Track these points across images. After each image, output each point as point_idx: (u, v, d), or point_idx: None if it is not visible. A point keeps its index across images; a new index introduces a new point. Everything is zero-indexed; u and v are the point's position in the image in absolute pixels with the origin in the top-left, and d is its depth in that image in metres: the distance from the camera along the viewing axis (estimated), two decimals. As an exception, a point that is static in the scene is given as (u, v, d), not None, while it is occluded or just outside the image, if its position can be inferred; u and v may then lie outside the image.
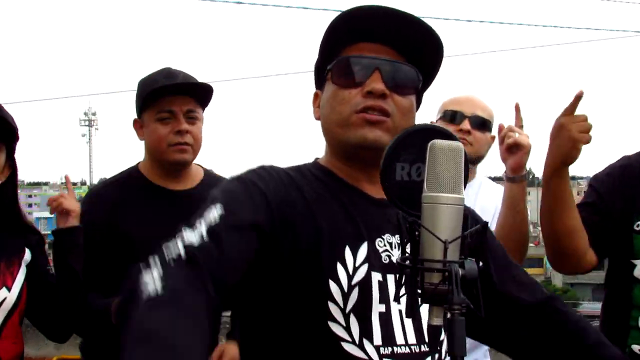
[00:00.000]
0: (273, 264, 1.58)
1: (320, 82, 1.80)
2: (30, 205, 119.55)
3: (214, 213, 1.51)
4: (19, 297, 2.43)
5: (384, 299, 1.61)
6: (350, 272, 1.60)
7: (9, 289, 2.40)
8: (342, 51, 1.72)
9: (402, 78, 1.69)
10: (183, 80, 2.78)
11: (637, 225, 2.55)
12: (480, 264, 1.45)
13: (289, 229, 1.59)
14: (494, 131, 3.13)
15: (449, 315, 1.24)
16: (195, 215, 1.55)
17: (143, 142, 2.89)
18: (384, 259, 1.66)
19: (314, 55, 1.79)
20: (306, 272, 1.58)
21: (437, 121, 3.16)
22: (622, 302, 2.62)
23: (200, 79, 2.81)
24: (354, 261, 1.61)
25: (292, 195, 1.64)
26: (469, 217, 1.37)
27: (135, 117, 2.89)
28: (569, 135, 2.42)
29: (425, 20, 1.67)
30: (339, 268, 1.59)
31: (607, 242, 2.63)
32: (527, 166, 2.92)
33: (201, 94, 2.83)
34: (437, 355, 1.61)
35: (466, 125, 3.05)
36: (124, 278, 2.70)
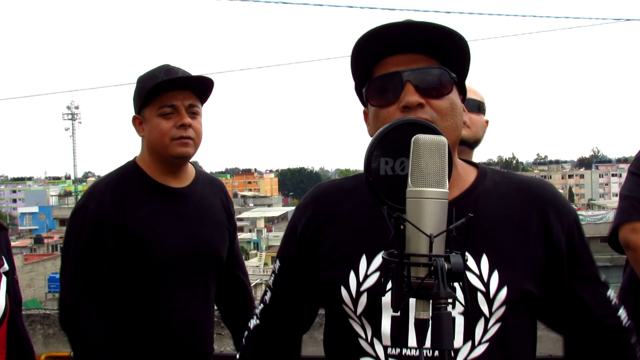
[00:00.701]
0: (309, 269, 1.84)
1: (362, 100, 1.82)
2: (14, 201, 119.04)
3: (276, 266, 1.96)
4: (5, 308, 2.38)
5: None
6: (361, 280, 1.69)
7: None
8: (372, 70, 1.73)
9: (435, 82, 1.68)
10: (183, 75, 2.78)
11: None
12: (467, 257, 1.46)
13: (315, 248, 1.81)
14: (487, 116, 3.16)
15: (435, 309, 1.25)
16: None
17: (141, 138, 2.89)
18: None
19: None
20: (326, 278, 1.76)
21: None
22: None
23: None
24: (366, 269, 1.69)
25: (325, 215, 1.82)
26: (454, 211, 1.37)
27: (134, 114, 2.88)
28: None
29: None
30: (351, 276, 1.70)
31: None
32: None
33: (202, 88, 2.83)
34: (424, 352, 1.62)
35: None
36: (122, 280, 2.71)
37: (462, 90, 1.78)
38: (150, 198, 2.83)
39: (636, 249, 2.70)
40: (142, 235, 2.72)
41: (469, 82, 3.15)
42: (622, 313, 1.83)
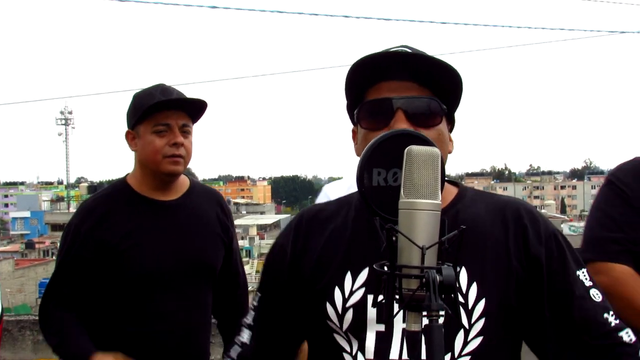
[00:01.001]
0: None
1: (353, 120, 1.84)
2: (6, 205, 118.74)
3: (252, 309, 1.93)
4: None
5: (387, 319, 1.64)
6: (347, 296, 1.69)
7: None
8: (365, 92, 1.75)
9: (425, 112, 1.70)
10: (178, 96, 2.88)
11: None
12: (458, 269, 1.46)
13: (299, 262, 1.82)
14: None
15: (426, 322, 1.23)
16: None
17: (135, 152, 2.97)
18: None
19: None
20: (311, 296, 1.76)
21: None
22: None
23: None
24: (352, 285, 1.70)
25: (308, 238, 1.83)
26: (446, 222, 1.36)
27: (128, 128, 2.95)
28: None
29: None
30: (337, 292, 1.71)
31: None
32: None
33: (195, 109, 2.94)
34: None
35: None
36: (108, 291, 2.76)
37: (451, 121, 1.81)
38: (135, 213, 2.92)
39: (614, 296, 2.64)
40: (123, 249, 2.81)
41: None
42: (621, 332, 1.74)
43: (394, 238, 1.33)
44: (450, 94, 1.74)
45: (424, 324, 1.25)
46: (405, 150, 1.35)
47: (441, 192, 1.38)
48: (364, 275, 1.69)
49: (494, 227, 1.76)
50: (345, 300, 1.69)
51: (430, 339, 1.22)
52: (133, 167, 2.99)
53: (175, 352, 2.86)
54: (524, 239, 1.75)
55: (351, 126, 1.88)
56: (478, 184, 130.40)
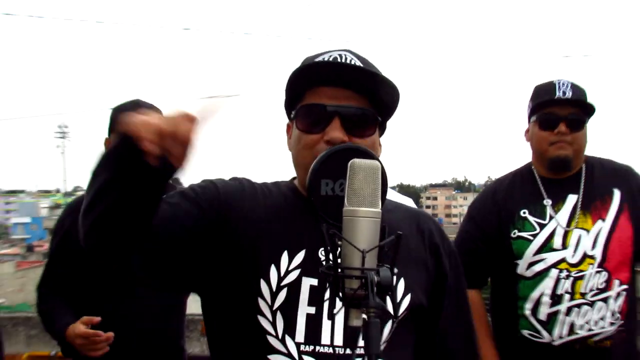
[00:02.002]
0: (213, 251, 1.64)
1: (289, 117, 1.78)
2: (8, 212, 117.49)
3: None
4: None
5: (316, 302, 1.61)
6: (282, 275, 1.61)
7: None
8: (305, 93, 1.70)
9: (360, 122, 1.66)
10: (149, 107, 2.96)
11: (514, 234, 2.75)
12: (395, 270, 1.47)
13: (229, 223, 1.65)
14: None
15: (365, 318, 1.24)
16: None
17: None
18: None
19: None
20: (243, 269, 1.62)
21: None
22: (508, 295, 2.78)
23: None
24: (287, 265, 1.62)
25: (248, 201, 1.70)
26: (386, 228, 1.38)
27: (106, 137, 3.05)
28: None
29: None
30: (272, 270, 1.61)
31: (491, 260, 2.84)
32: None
33: None
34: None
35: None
36: (94, 282, 2.75)
37: (383, 129, 1.78)
38: None
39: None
40: None
41: None
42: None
43: (338, 242, 1.34)
44: (386, 105, 1.71)
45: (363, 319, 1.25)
46: (349, 162, 1.36)
47: (383, 201, 1.39)
48: (300, 256, 1.62)
49: (411, 233, 1.79)
50: (280, 279, 1.60)
51: (368, 333, 1.23)
52: None
53: (148, 334, 2.93)
54: (437, 253, 1.82)
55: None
56: (441, 194, 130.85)
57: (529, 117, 2.79)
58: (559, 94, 2.66)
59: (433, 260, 1.80)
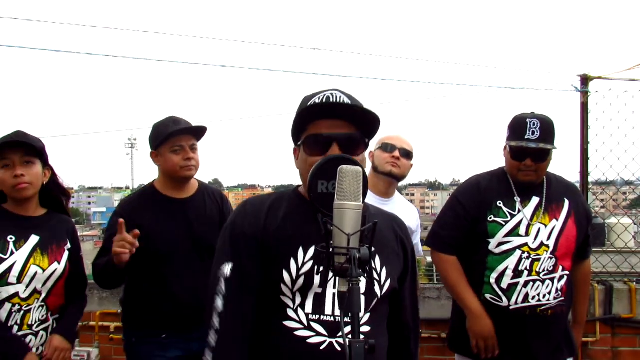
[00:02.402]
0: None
1: (296, 143, 1.80)
2: (89, 203, 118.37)
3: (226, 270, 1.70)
4: (64, 270, 2.52)
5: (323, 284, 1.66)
6: (299, 266, 1.64)
7: (59, 263, 2.50)
8: (309, 125, 1.72)
9: (353, 144, 1.69)
10: (186, 125, 2.94)
11: (490, 218, 2.76)
12: (373, 249, 1.49)
13: (261, 241, 1.70)
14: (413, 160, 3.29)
15: (350, 284, 1.27)
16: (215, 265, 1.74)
17: (158, 166, 3.01)
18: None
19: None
20: (272, 263, 1.67)
21: (375, 150, 3.28)
22: (478, 266, 2.79)
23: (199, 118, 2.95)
24: (303, 258, 1.65)
25: (265, 218, 1.73)
26: (368, 216, 1.40)
27: (151, 150, 2.99)
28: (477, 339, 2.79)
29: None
30: (292, 262, 1.65)
31: (470, 236, 2.83)
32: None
33: (198, 133, 2.99)
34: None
35: (397, 154, 3.20)
36: (138, 260, 2.69)
37: (367, 146, 1.78)
38: (158, 207, 2.95)
39: (441, 274, 2.92)
40: (149, 231, 2.81)
41: (406, 135, 3.27)
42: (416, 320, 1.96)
43: (330, 227, 1.36)
44: (369, 129, 1.73)
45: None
46: (339, 168, 1.39)
47: (363, 198, 1.41)
48: (312, 251, 1.65)
49: (389, 233, 1.83)
50: (298, 269, 1.64)
51: (351, 296, 1.26)
52: (157, 175, 3.04)
53: (186, 307, 2.85)
54: (404, 249, 1.85)
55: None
56: (417, 192, 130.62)
57: (506, 140, 2.83)
58: (528, 133, 2.70)
59: (402, 254, 1.83)
